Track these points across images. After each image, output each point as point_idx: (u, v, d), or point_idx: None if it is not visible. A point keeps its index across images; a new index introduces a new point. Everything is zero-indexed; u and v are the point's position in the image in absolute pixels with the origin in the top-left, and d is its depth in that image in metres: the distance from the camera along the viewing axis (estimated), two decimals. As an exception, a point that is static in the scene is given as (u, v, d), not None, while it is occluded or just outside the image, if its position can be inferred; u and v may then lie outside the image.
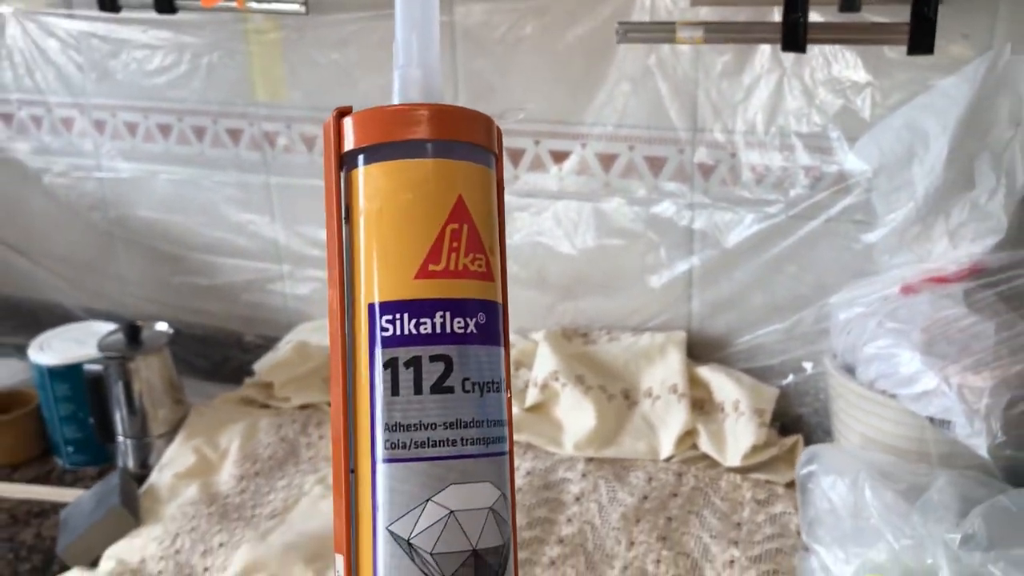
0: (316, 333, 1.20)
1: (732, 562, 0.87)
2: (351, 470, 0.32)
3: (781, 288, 0.99)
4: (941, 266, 0.86)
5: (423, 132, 0.32)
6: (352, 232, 0.33)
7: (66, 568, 0.92)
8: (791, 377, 1.00)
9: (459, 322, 0.32)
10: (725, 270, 1.01)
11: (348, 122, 0.33)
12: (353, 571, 0.31)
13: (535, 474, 0.98)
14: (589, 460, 0.99)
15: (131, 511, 0.94)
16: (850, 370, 0.90)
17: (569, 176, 1.05)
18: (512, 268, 0.90)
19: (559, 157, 1.05)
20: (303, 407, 1.11)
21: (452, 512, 0.31)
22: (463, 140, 0.33)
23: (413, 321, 0.31)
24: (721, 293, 1.03)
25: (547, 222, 1.08)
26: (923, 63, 0.81)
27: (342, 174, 0.34)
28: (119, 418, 1.05)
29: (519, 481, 0.97)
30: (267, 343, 1.25)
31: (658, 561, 0.87)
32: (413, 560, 0.30)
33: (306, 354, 1.15)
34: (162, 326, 1.08)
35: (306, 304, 1.26)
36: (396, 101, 0.34)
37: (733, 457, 0.96)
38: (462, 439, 0.31)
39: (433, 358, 0.31)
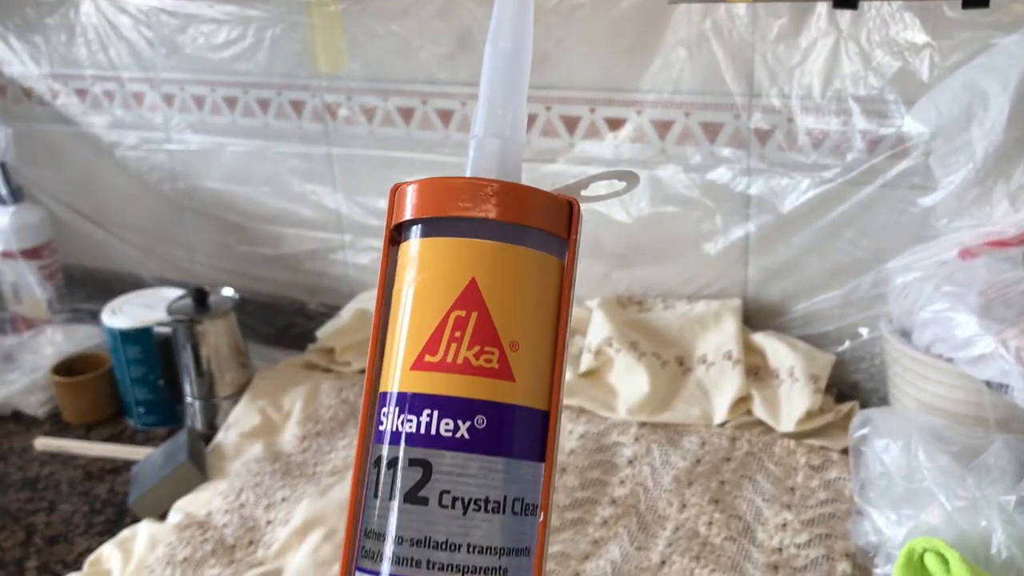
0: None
1: (784, 525, 0.87)
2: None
3: (838, 254, 0.98)
4: (1000, 229, 0.85)
5: (442, 207, 0.29)
6: (391, 311, 0.30)
7: (137, 519, 0.96)
8: (847, 343, 0.99)
9: (447, 424, 0.28)
10: (782, 236, 1.01)
11: (399, 194, 0.31)
12: None
13: (588, 437, 0.99)
14: (642, 425, 1.00)
15: (199, 467, 0.98)
16: (906, 335, 0.89)
17: (624, 143, 1.06)
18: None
19: (614, 124, 1.06)
20: (363, 371, 1.14)
21: None
22: (498, 219, 0.29)
23: (401, 417, 0.28)
24: (777, 259, 1.02)
25: (602, 190, 1.08)
26: (983, 21, 0.80)
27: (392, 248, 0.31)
28: (188, 380, 1.09)
29: (572, 444, 0.99)
30: (329, 311, 1.28)
31: (710, 523, 0.88)
32: None
33: (366, 320, 1.18)
34: (228, 291, 1.12)
35: (366, 273, 1.28)
36: (469, 173, 0.31)
37: (787, 423, 0.96)
38: (428, 562, 0.27)
39: (412, 462, 0.28)
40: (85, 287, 1.32)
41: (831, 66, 0.93)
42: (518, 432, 0.29)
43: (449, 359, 0.28)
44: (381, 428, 0.28)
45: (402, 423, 0.28)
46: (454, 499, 0.27)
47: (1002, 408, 0.80)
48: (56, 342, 1.20)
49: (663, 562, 0.84)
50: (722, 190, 1.02)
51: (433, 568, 0.27)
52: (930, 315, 0.85)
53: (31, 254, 1.23)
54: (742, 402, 0.99)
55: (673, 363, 1.03)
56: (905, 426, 0.81)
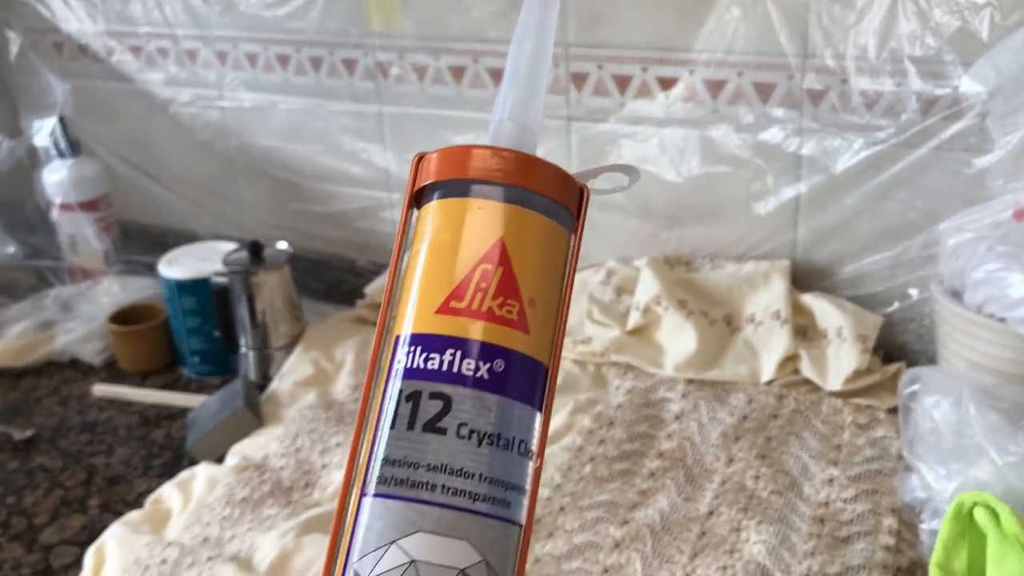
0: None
1: (831, 480, 0.88)
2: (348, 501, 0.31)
3: (889, 215, 0.99)
4: (1057, 190, 0.85)
5: (473, 171, 0.32)
6: (407, 265, 0.33)
7: (194, 463, 0.99)
8: (896, 304, 1.00)
9: (468, 364, 0.30)
10: (833, 197, 1.01)
11: (424, 161, 0.34)
12: None
13: (635, 392, 1.00)
14: (689, 381, 1.01)
15: (254, 413, 1.01)
16: (957, 295, 0.89)
17: (676, 103, 1.06)
18: (615, 196, 0.92)
19: (666, 84, 1.06)
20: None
21: (414, 561, 0.29)
22: (524, 187, 0.32)
23: (424, 355, 0.30)
24: (828, 220, 1.03)
25: (652, 149, 1.09)
26: (1047, -20, 0.80)
27: (414, 211, 0.34)
28: (242, 330, 1.12)
29: (619, 398, 1.00)
30: (377, 268, 1.30)
31: (757, 477, 0.89)
32: None
33: (415, 276, 1.19)
34: (283, 245, 1.14)
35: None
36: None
37: (834, 381, 0.97)
38: (444, 486, 0.29)
39: (432, 395, 0.30)
40: (139, 240, 1.35)
41: (887, 26, 0.93)
42: (528, 380, 0.31)
43: (474, 307, 0.30)
44: (400, 365, 0.31)
45: (424, 361, 0.30)
46: (471, 431, 0.30)
47: (1054, 367, 0.81)
48: (112, 292, 1.23)
49: (711, 513, 0.85)
50: (774, 150, 1.03)
51: (447, 492, 0.29)
52: (983, 275, 0.85)
53: (88, 206, 1.26)
54: (789, 361, 1.00)
55: (721, 322, 1.04)
56: (955, 383, 0.81)
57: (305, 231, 1.34)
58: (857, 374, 0.96)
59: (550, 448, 0.94)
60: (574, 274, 0.34)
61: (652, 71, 1.07)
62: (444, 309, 0.31)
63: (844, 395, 0.97)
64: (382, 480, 0.30)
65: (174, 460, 1.02)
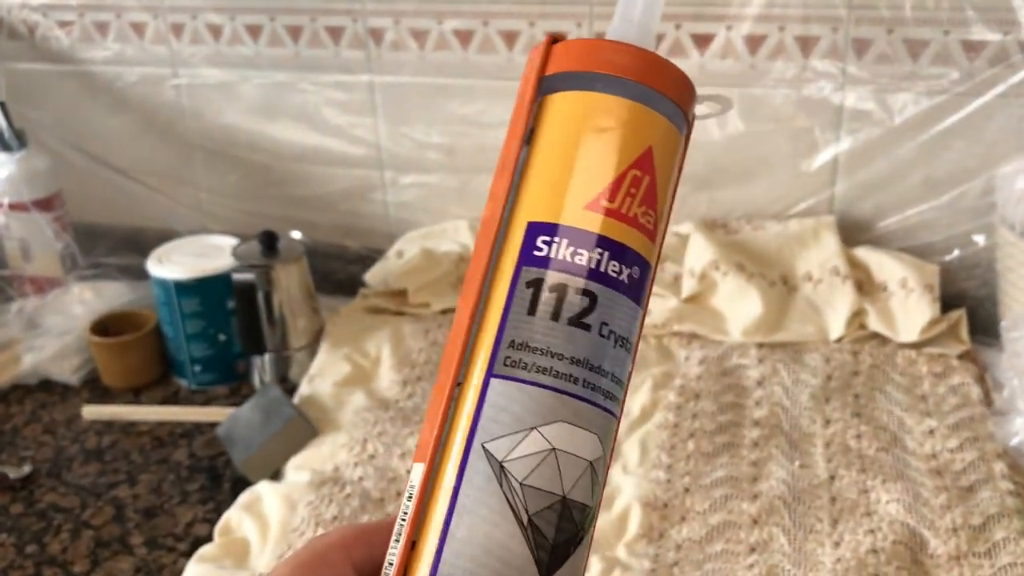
0: (428, 240, 1.16)
1: (932, 432, 0.88)
2: (459, 383, 0.30)
3: (943, 164, 0.99)
4: None
5: (632, 72, 0.31)
6: (531, 152, 0.32)
7: (240, 482, 0.88)
8: (956, 252, 1.00)
9: (615, 266, 0.30)
10: (883, 149, 1.00)
11: (557, 48, 0.32)
12: (431, 483, 0.29)
13: (709, 361, 0.97)
14: (760, 346, 0.98)
15: (307, 420, 0.91)
16: (1031, 238, 0.91)
17: (712, 60, 1.03)
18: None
19: (702, 42, 1.02)
20: (445, 312, 1.08)
21: (555, 449, 0.29)
22: (667, 95, 0.32)
23: (571, 249, 0.30)
24: (873, 173, 1.02)
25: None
26: None
27: (537, 97, 0.32)
28: (262, 331, 1.00)
29: (694, 369, 0.96)
30: (372, 254, 1.20)
31: (858, 436, 0.88)
32: (500, 484, 0.28)
33: (434, 260, 1.11)
34: (296, 235, 1.03)
35: (410, 212, 1.21)
36: None
37: (908, 333, 0.96)
38: (585, 381, 0.29)
39: (580, 291, 0.30)
40: (106, 240, 1.19)
41: (942, -27, 0.92)
42: (647, 287, 0.32)
43: (624, 210, 0.30)
44: (541, 254, 0.30)
45: (571, 255, 0.30)
46: (610, 332, 0.30)
47: None
48: (86, 300, 1.08)
49: (831, 477, 0.83)
50: (818, 105, 1.01)
51: (588, 387, 0.30)
52: (1067, 216, 0.86)
53: (43, 205, 1.10)
54: (854, 317, 0.99)
55: (779, 283, 1.02)
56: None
57: (284, 216, 1.22)
58: (929, 324, 0.96)
59: (646, 428, 0.89)
60: (679, 180, 0.34)
61: (685, 28, 1.02)
62: (596, 207, 0.30)
63: (914, 346, 0.97)
64: (520, 365, 0.29)
65: (211, 482, 0.91)
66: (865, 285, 1.01)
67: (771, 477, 0.83)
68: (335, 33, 1.14)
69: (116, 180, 1.22)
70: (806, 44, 1.00)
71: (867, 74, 0.99)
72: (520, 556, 0.28)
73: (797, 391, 0.93)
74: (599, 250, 0.30)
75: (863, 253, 1.02)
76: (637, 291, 0.31)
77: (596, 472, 0.30)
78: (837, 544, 0.76)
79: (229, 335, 1.04)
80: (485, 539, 0.28)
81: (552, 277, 0.30)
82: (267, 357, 1.02)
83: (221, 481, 0.91)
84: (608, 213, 0.30)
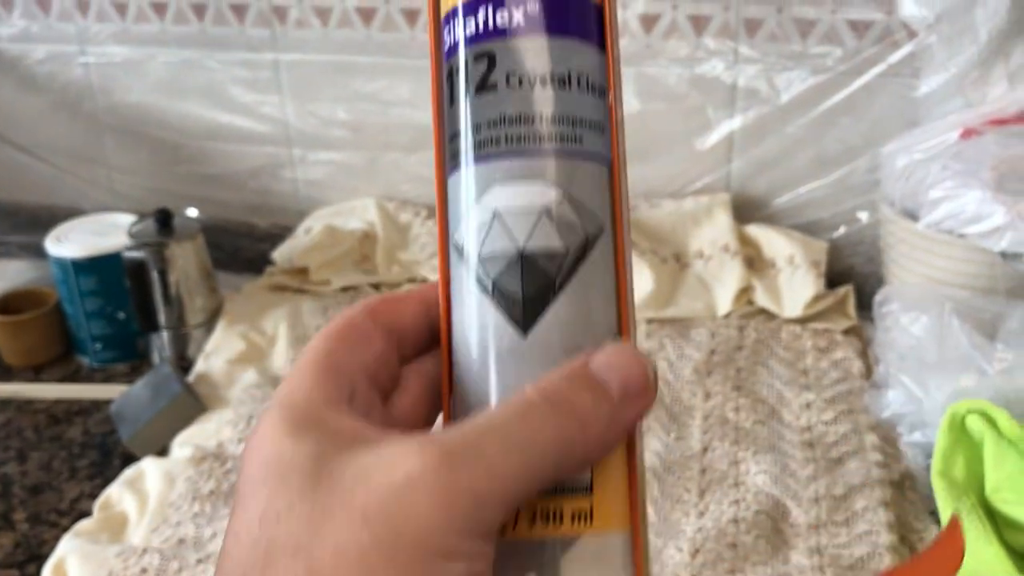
0: (337, 218, 1.17)
1: (809, 405, 0.90)
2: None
3: (831, 142, 1.00)
4: (1000, 108, 0.89)
5: None
6: None
7: (128, 458, 0.89)
8: (842, 229, 1.02)
9: (502, 15, 0.29)
10: (773, 127, 1.02)
11: None
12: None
13: (599, 337, 0.98)
14: (650, 321, 1.00)
15: (195, 397, 0.91)
16: (910, 215, 0.92)
17: (608, 39, 1.03)
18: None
19: (597, 20, 1.03)
20: (345, 289, 1.09)
21: (495, 213, 0.29)
22: None
23: (460, 26, 0.30)
24: (766, 152, 1.04)
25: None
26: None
27: None
28: (156, 308, 1.01)
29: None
30: (281, 231, 1.21)
31: (737, 409, 0.89)
32: (466, 267, 0.29)
33: (337, 237, 1.12)
34: (192, 212, 1.03)
35: (320, 189, 1.22)
36: None
37: (792, 308, 0.98)
38: (506, 137, 0.29)
39: (476, 57, 0.29)
40: (7, 219, 1.19)
41: (826, -47, 0.94)
42: (575, 15, 0.30)
43: None
44: (446, 47, 0.30)
45: (462, 30, 0.29)
46: (520, 78, 0.29)
47: (1015, 278, 0.85)
48: (-15, 279, 1.08)
49: (705, 449, 0.85)
50: (712, 84, 1.02)
51: (511, 141, 0.29)
52: (940, 193, 0.88)
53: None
54: (743, 293, 1.01)
55: (671, 260, 1.04)
56: (934, 298, 0.84)
57: (193, 195, 1.23)
58: (813, 299, 0.98)
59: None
60: None
61: (581, 7, 1.03)
62: None
63: (801, 321, 0.99)
64: (453, 154, 0.30)
65: (102, 459, 0.92)
66: (756, 262, 1.03)
67: (646, 449, 0.84)
68: (239, 11, 1.13)
69: (21, 159, 1.22)
70: (698, 23, 1.01)
71: (757, 53, 1.00)
72: (498, 325, 0.29)
73: (681, 365, 0.94)
74: (482, 8, 0.29)
75: (755, 230, 1.04)
76: (545, 24, 0.29)
77: (557, 215, 0.29)
78: (702, 514, 0.78)
79: (128, 313, 1.04)
80: (471, 322, 0.29)
81: (454, 60, 0.30)
82: (165, 335, 1.02)
83: (111, 458, 0.92)
84: None
